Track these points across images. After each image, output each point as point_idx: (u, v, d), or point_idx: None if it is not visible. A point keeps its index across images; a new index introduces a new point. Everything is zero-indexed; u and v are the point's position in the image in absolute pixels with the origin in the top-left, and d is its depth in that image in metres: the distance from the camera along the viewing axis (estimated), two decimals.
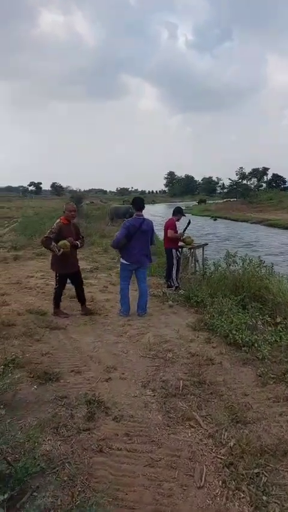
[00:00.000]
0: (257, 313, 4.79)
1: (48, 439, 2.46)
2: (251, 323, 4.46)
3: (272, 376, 3.41)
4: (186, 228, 6.91)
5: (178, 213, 6.74)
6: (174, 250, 6.59)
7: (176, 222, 6.69)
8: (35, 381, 3.20)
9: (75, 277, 5.31)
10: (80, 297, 5.32)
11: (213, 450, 2.47)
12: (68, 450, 2.37)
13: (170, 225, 6.62)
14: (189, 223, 7.00)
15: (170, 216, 6.83)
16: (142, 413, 2.84)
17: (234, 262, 6.69)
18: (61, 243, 4.92)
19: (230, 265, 6.71)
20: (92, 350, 4.01)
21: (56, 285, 5.20)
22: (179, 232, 6.67)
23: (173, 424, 2.74)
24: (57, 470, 2.16)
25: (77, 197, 22.09)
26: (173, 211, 6.82)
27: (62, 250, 4.89)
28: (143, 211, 5.34)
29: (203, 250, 7.24)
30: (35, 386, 2.86)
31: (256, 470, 2.24)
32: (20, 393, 2.98)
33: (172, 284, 6.68)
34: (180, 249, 6.94)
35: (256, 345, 4.00)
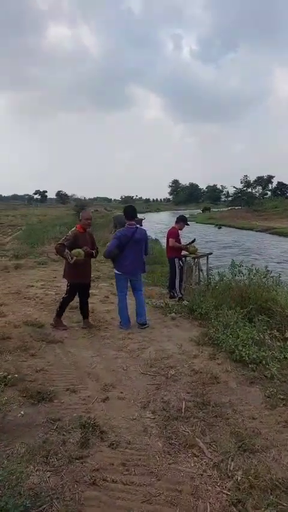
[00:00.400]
0: (265, 327, 4.56)
1: (37, 470, 2.24)
2: (258, 338, 4.22)
3: (282, 397, 3.17)
4: (190, 243, 6.71)
5: (181, 221, 6.55)
6: (177, 260, 6.38)
7: (179, 231, 6.50)
8: (27, 401, 3.00)
9: (85, 288, 5.12)
10: (84, 310, 5.13)
11: (218, 484, 2.23)
12: (58, 483, 2.15)
13: (171, 234, 6.42)
14: (193, 241, 6.80)
15: (173, 225, 6.63)
16: (141, 439, 2.62)
17: (240, 272, 6.47)
18: (75, 251, 4.70)
19: (235, 275, 6.48)
20: (89, 366, 3.80)
21: (66, 294, 4.98)
22: (182, 243, 6.47)
23: (174, 452, 2.51)
24: (44, 509, 1.94)
25: (81, 205, 22.03)
26: (176, 220, 6.63)
27: (74, 258, 4.67)
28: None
29: (207, 260, 7.02)
30: (22, 412, 2.63)
31: (267, 511, 2.00)
32: (10, 415, 2.76)
33: (175, 295, 6.47)
34: (183, 258, 6.74)
35: (264, 362, 3.76)
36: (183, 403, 3.11)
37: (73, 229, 4.92)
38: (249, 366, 3.75)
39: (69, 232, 4.87)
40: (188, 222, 6.77)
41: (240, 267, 6.44)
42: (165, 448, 2.53)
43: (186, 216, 7.05)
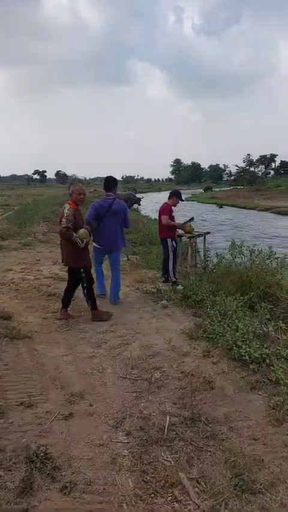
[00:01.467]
0: (268, 316, 3.89)
1: None
2: (260, 331, 3.56)
3: None
4: (187, 222, 5.97)
5: (174, 196, 5.76)
6: (169, 240, 5.66)
7: (173, 207, 5.75)
8: None
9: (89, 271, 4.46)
10: (70, 297, 4.51)
11: None
12: None
13: (164, 211, 5.67)
14: (191, 219, 6.06)
15: (166, 200, 5.86)
16: (106, 476, 1.99)
17: (241, 254, 5.77)
18: (82, 232, 4.12)
19: (235, 257, 5.79)
20: (57, 368, 3.15)
21: (85, 282, 4.29)
22: (176, 221, 5.74)
23: (149, 495, 1.88)
24: None
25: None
26: (169, 195, 5.86)
27: (85, 241, 4.14)
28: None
29: (204, 240, 6.28)
30: None
31: None
32: None
33: (169, 278, 5.79)
34: (178, 238, 6.03)
35: (268, 362, 3.11)
36: (167, 418, 2.47)
37: (67, 206, 4.15)
38: (250, 366, 3.10)
39: (66, 210, 4.10)
40: (183, 198, 5.99)
41: (240, 247, 5.75)
42: (137, 490, 1.90)
43: (188, 195, 6.26)
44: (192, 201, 43.56)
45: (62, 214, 4.20)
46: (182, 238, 6.36)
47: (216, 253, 5.98)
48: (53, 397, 2.71)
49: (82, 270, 4.26)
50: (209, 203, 41.21)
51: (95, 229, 4.73)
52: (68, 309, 4.51)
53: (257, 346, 3.25)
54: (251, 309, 4.26)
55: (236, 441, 2.29)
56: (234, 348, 3.29)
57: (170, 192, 5.93)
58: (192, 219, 6.06)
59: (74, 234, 4.06)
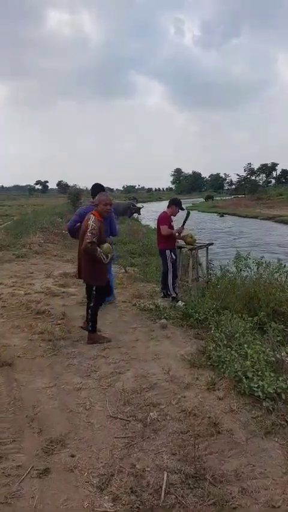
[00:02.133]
0: (279, 337, 3.45)
1: None
2: (273, 358, 3.11)
3: None
4: (185, 221, 5.56)
5: (173, 204, 5.35)
6: (168, 252, 5.23)
7: (172, 217, 5.33)
8: None
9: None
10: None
11: None
12: None
13: (162, 220, 5.24)
14: (188, 214, 5.64)
15: (164, 209, 5.44)
16: None
17: (247, 267, 5.33)
18: (106, 247, 3.81)
19: (241, 270, 5.35)
20: (37, 405, 2.70)
21: (93, 301, 3.89)
22: (175, 229, 5.32)
23: None
24: None
25: (75, 193, 20.77)
26: (168, 203, 5.44)
27: (109, 256, 3.85)
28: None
29: (207, 252, 5.84)
30: None
31: None
32: None
33: (168, 293, 5.35)
34: (178, 250, 5.60)
35: (284, 398, 2.65)
36: (165, 477, 2.01)
37: (92, 218, 3.74)
38: (264, 403, 2.64)
39: (91, 222, 3.70)
40: (183, 206, 5.56)
41: (246, 259, 5.32)
42: None
43: (189, 205, 5.84)
44: (193, 209, 43.21)
45: (85, 226, 3.76)
46: (183, 249, 5.93)
47: (220, 266, 5.54)
48: (28, 445, 2.25)
49: (94, 288, 3.86)
50: (210, 212, 40.88)
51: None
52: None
53: (271, 378, 2.79)
54: (261, 331, 3.81)
55: (251, 510, 1.83)
56: (244, 380, 2.83)
57: (169, 201, 5.52)
58: (188, 214, 5.62)
59: (99, 249, 3.68)
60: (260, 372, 2.87)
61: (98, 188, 4.71)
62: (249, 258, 5.33)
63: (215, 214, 37.91)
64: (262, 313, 3.83)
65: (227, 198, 66.71)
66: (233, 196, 67.03)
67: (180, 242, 5.63)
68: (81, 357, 3.52)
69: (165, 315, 4.58)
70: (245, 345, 3.30)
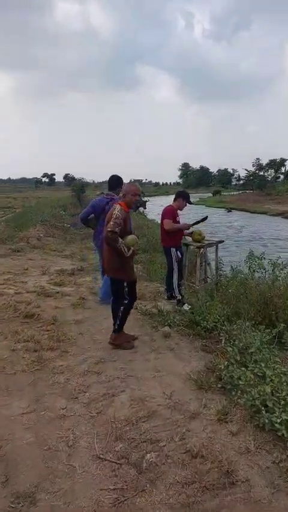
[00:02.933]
0: None
1: None
2: None
3: None
4: (197, 222, 4.98)
5: (180, 197, 4.79)
6: (173, 250, 4.68)
7: (178, 211, 4.78)
8: None
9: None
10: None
11: None
12: None
13: (167, 213, 4.67)
14: (205, 218, 5.08)
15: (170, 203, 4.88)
16: None
17: (261, 268, 4.77)
18: (130, 239, 3.41)
19: (254, 271, 4.80)
20: (8, 438, 2.20)
21: (127, 298, 3.52)
22: (181, 223, 4.75)
23: None
24: None
25: (80, 186, 20.27)
26: (175, 196, 4.88)
27: (131, 249, 3.41)
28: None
29: (216, 250, 5.27)
30: None
31: None
32: None
33: (174, 295, 4.82)
34: (185, 248, 5.05)
35: None
36: None
37: (118, 208, 3.39)
38: None
39: (117, 212, 3.34)
40: (191, 200, 4.99)
41: (261, 259, 4.76)
42: None
43: (196, 199, 5.24)
44: (200, 204, 42.55)
45: (110, 215, 3.37)
46: (190, 246, 5.38)
47: (232, 266, 4.97)
48: None
49: (126, 284, 3.48)
50: (218, 207, 40.13)
51: (94, 228, 4.71)
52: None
53: None
54: (281, 344, 3.27)
55: None
56: (263, 411, 2.31)
57: (176, 193, 4.96)
58: (205, 218, 5.05)
59: (120, 240, 3.28)
60: (283, 402, 2.34)
61: (115, 180, 4.65)
62: (264, 258, 4.79)
63: (223, 209, 37.17)
64: (282, 325, 3.28)
65: (234, 193, 65.65)
66: (240, 192, 65.98)
67: (188, 239, 5.09)
68: (69, 373, 3.01)
69: (169, 321, 4.06)
70: (262, 364, 2.77)
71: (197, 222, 4.92)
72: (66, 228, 11.89)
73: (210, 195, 62.15)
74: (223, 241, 5.12)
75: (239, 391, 2.55)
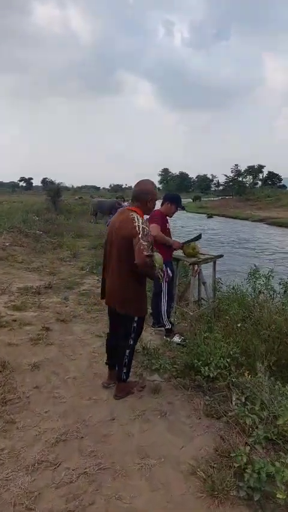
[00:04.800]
0: None
1: None
2: None
3: None
4: (190, 241, 4.01)
5: (168, 201, 3.84)
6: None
7: (167, 218, 3.82)
8: None
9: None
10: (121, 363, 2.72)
11: None
12: None
13: (153, 217, 3.66)
14: (198, 237, 4.12)
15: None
16: None
17: (268, 287, 3.88)
18: (159, 259, 2.57)
19: (260, 292, 3.90)
20: None
21: (132, 339, 2.65)
22: (173, 238, 3.81)
23: None
24: None
25: (55, 190, 19.07)
26: (163, 199, 3.93)
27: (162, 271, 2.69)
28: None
29: (214, 267, 4.30)
30: None
31: None
32: None
33: (163, 323, 3.84)
34: (175, 264, 4.09)
35: None
36: None
37: (137, 217, 2.50)
38: None
39: (142, 225, 2.44)
40: (183, 206, 4.04)
41: (268, 278, 3.87)
42: None
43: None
44: (181, 210, 41.88)
45: (128, 231, 2.44)
46: (180, 261, 4.40)
47: (233, 287, 4.04)
48: None
49: (136, 319, 2.61)
50: (199, 213, 39.59)
51: None
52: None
53: None
54: None
55: None
56: None
57: (164, 196, 3.99)
58: (199, 236, 4.10)
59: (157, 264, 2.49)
60: None
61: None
62: (272, 276, 3.90)
63: (204, 215, 36.65)
64: None
65: (214, 198, 65.70)
66: (220, 197, 66.14)
67: (179, 252, 4.12)
68: (10, 466, 1.97)
69: (157, 364, 3.06)
70: None
71: (189, 241, 3.95)
72: (38, 235, 10.71)
73: (191, 200, 61.82)
74: (222, 255, 4.17)
75: (274, 503, 1.59)
